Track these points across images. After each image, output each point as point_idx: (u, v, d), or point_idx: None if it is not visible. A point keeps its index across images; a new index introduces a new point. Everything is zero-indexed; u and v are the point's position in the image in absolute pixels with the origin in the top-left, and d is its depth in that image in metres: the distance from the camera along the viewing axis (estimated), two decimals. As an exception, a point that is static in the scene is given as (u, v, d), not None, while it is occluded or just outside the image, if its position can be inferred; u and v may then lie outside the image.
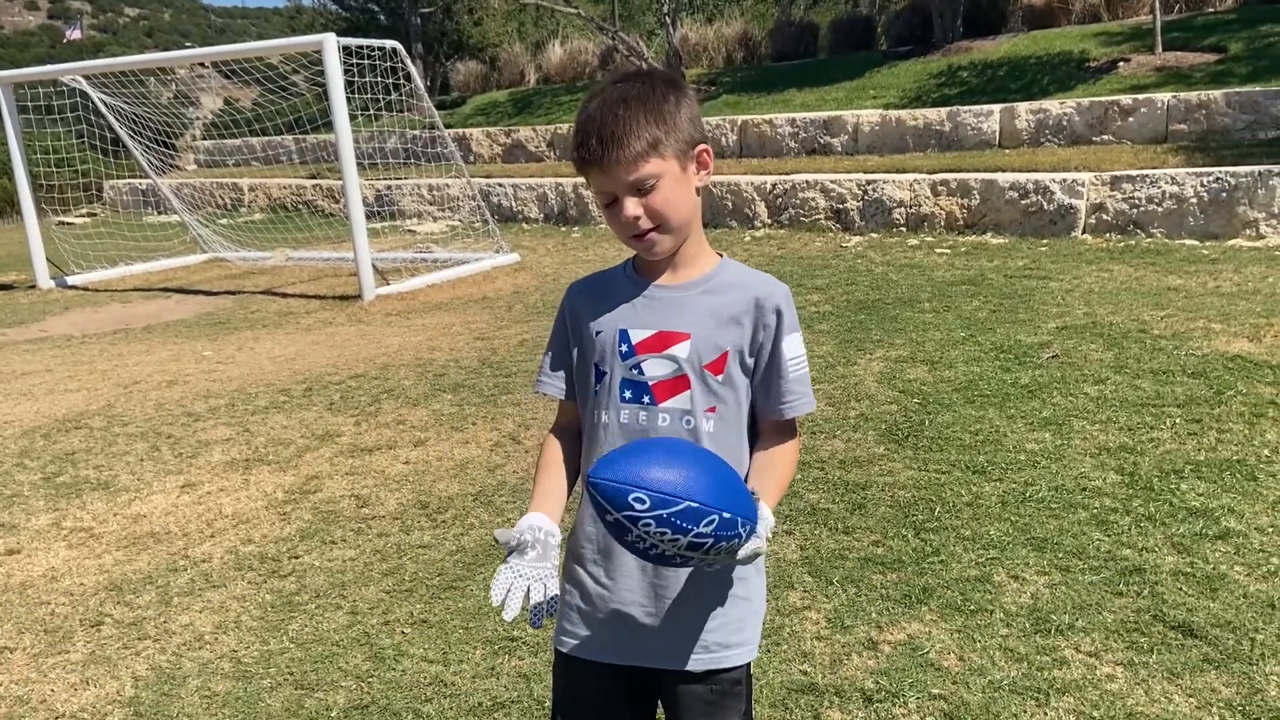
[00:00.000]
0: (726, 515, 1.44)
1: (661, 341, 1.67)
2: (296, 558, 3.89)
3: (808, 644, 2.99)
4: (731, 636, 1.73)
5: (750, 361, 1.70)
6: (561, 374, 1.79)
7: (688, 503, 1.43)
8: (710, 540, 1.45)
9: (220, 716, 2.89)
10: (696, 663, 1.72)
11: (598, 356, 1.72)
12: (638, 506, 1.41)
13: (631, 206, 1.62)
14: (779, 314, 1.69)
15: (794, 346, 1.71)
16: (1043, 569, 3.32)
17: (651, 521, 1.42)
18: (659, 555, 1.48)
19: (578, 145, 1.65)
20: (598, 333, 1.72)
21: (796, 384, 1.71)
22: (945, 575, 3.33)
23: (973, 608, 3.12)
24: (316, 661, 3.13)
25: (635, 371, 1.68)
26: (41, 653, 3.33)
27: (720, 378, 1.68)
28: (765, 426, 1.73)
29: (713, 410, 1.67)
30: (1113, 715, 2.58)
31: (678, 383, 1.66)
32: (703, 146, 1.68)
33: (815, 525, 3.76)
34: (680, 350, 1.66)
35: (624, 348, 1.68)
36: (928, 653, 2.90)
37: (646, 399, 1.67)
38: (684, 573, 1.70)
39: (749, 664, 1.78)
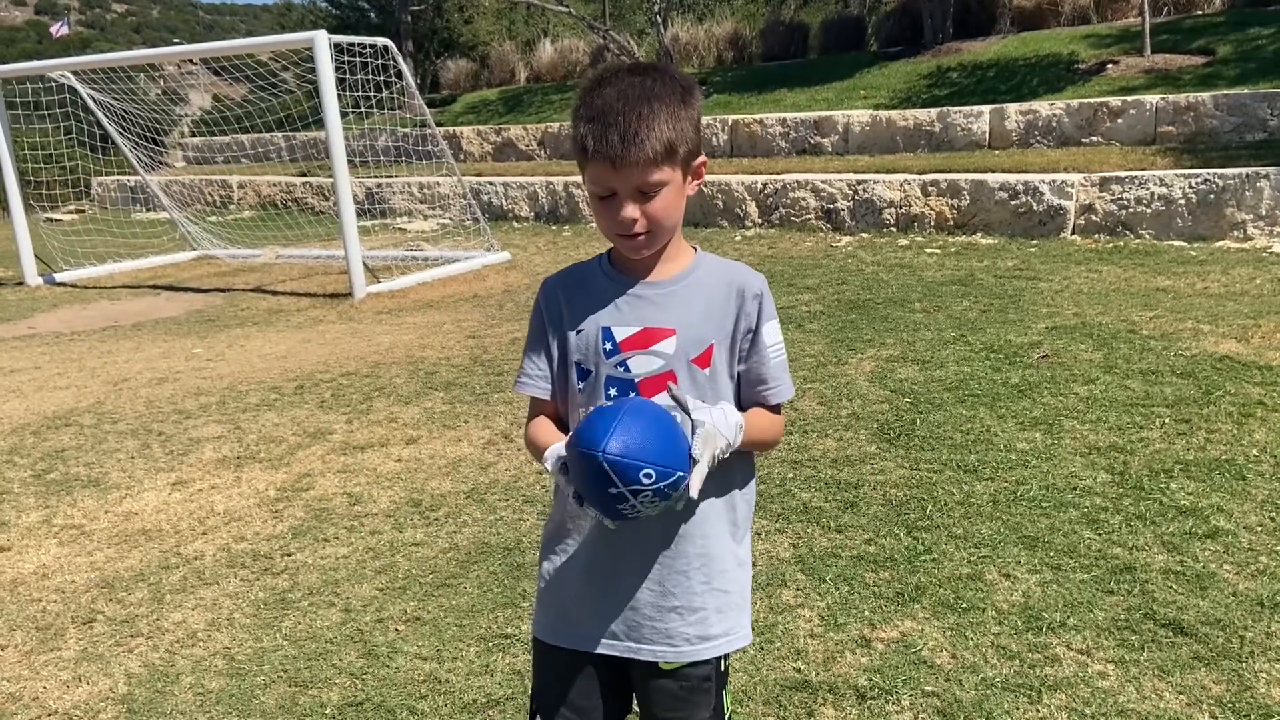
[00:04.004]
0: (682, 474, 1.52)
1: (646, 338, 1.67)
2: (289, 555, 3.88)
3: (801, 642, 3.01)
4: (707, 630, 1.72)
5: (733, 350, 1.71)
6: (545, 373, 1.77)
7: (679, 473, 1.51)
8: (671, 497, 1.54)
9: (214, 713, 2.89)
10: (671, 655, 1.71)
11: (579, 355, 1.71)
12: (645, 481, 1.47)
13: (631, 209, 1.60)
14: (760, 302, 1.71)
15: (773, 333, 1.73)
16: (1034, 567, 3.34)
17: (650, 493, 1.49)
18: (628, 515, 1.54)
19: (594, 136, 1.56)
20: (578, 331, 1.71)
21: (778, 370, 1.73)
22: (937, 573, 3.35)
23: (965, 606, 3.14)
24: (310, 659, 3.13)
25: (621, 369, 1.68)
26: (33, 650, 3.31)
27: (707, 371, 1.68)
28: (750, 414, 1.73)
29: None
30: (1104, 712, 2.60)
31: (664, 378, 1.66)
32: (701, 159, 1.68)
33: (808, 524, 3.78)
34: (666, 345, 1.66)
35: (608, 345, 1.68)
36: (920, 650, 2.91)
37: (633, 395, 1.67)
38: (661, 563, 1.70)
39: (721, 659, 1.76)
